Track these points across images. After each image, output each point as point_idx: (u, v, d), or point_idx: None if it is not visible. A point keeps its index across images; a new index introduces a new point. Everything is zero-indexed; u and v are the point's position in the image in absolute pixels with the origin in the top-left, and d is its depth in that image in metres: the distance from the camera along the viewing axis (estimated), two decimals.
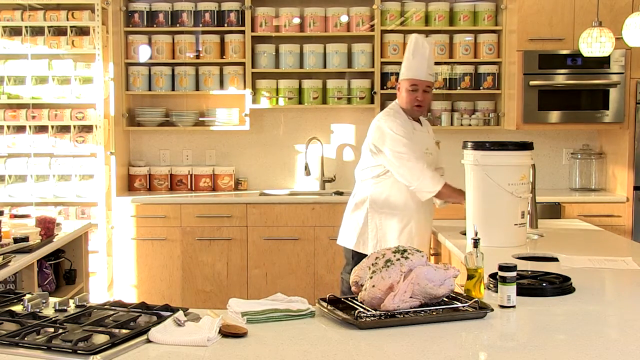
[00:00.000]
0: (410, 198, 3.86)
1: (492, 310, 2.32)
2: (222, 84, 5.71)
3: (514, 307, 2.41)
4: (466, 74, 5.66)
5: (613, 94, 5.30)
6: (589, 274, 2.95)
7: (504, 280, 2.42)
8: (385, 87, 5.65)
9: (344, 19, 5.66)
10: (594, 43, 4.34)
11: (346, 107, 5.78)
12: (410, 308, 2.27)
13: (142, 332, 2.09)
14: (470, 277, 2.49)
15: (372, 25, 5.62)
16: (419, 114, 3.96)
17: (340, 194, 5.62)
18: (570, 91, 5.35)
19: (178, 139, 5.94)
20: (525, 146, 3.54)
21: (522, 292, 2.51)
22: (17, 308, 2.34)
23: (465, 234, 3.67)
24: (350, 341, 2.11)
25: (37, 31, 5.40)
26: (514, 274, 2.42)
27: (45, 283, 4.09)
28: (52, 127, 5.40)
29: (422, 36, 4.05)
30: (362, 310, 2.26)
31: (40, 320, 2.18)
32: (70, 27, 5.36)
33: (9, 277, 3.52)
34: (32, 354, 1.95)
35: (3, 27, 5.34)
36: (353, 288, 2.45)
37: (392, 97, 5.72)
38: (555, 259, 3.21)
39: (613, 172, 5.57)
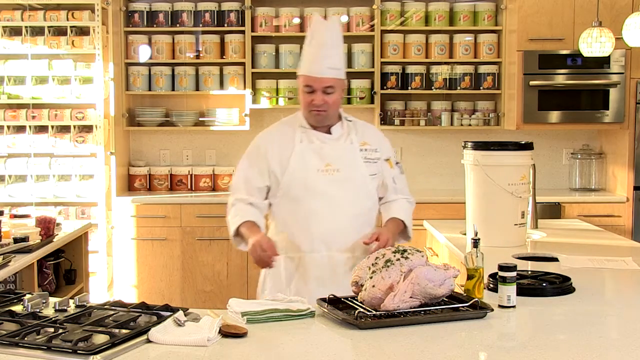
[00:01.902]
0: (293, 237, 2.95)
1: (492, 310, 2.32)
2: (222, 84, 5.70)
3: (514, 307, 2.41)
4: (466, 74, 5.66)
5: (613, 94, 5.30)
6: (589, 274, 2.95)
7: (504, 280, 2.42)
8: (385, 87, 5.65)
9: (344, 19, 5.65)
10: (594, 43, 4.34)
11: (346, 107, 5.77)
12: (410, 308, 2.27)
13: (142, 332, 2.09)
14: (470, 277, 2.49)
15: (372, 25, 5.62)
16: (321, 120, 2.94)
17: None
18: (570, 91, 5.35)
19: (178, 139, 5.94)
20: (525, 146, 3.55)
21: (522, 292, 2.51)
22: (17, 308, 2.34)
23: (465, 234, 3.67)
24: (350, 341, 2.11)
25: (37, 31, 5.40)
26: (514, 274, 2.42)
27: (45, 283, 4.09)
28: (52, 127, 5.40)
29: (323, 18, 3.05)
30: (362, 310, 2.26)
31: (40, 320, 2.18)
32: (70, 27, 5.36)
33: (9, 277, 3.52)
34: (32, 354, 1.95)
35: (3, 27, 5.34)
36: (353, 288, 2.45)
37: (392, 97, 5.76)
38: (555, 259, 3.21)
39: (613, 172, 5.57)
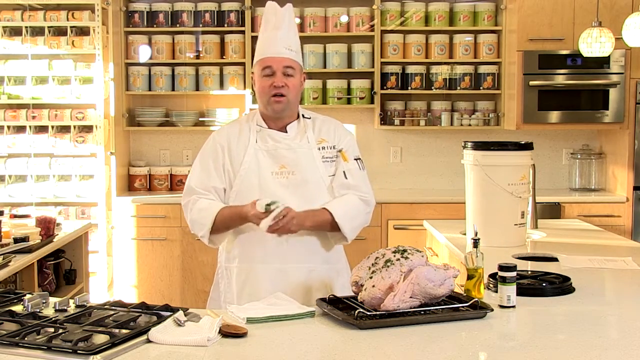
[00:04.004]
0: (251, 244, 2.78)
1: (492, 310, 2.32)
2: (222, 84, 5.71)
3: (514, 307, 2.41)
4: (466, 74, 5.66)
5: (613, 94, 5.31)
6: (589, 274, 2.95)
7: (504, 280, 2.42)
8: (385, 87, 5.65)
9: (344, 19, 5.66)
10: (593, 43, 4.34)
11: (346, 107, 5.78)
12: (410, 308, 2.27)
13: (142, 332, 2.09)
14: (470, 277, 2.49)
15: (372, 25, 5.62)
16: (281, 109, 2.74)
17: None
18: (570, 91, 5.35)
19: (178, 139, 5.94)
20: (525, 146, 3.55)
21: (522, 292, 2.51)
22: (17, 308, 2.34)
23: (465, 234, 3.67)
24: (350, 341, 2.11)
25: (37, 31, 5.40)
26: (514, 274, 2.42)
27: (45, 283, 4.09)
28: (52, 127, 5.40)
29: (280, 5, 2.80)
30: (362, 310, 2.26)
31: (40, 320, 2.18)
32: (70, 27, 5.36)
33: (9, 277, 3.52)
34: (32, 354, 1.95)
35: (3, 27, 5.34)
36: (353, 288, 2.45)
37: (392, 97, 5.76)
38: (555, 259, 3.21)
39: (613, 172, 5.57)
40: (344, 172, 2.79)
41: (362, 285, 2.38)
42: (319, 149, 2.78)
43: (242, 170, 2.74)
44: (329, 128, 2.85)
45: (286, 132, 2.79)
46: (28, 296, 2.41)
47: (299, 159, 2.75)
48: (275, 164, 2.74)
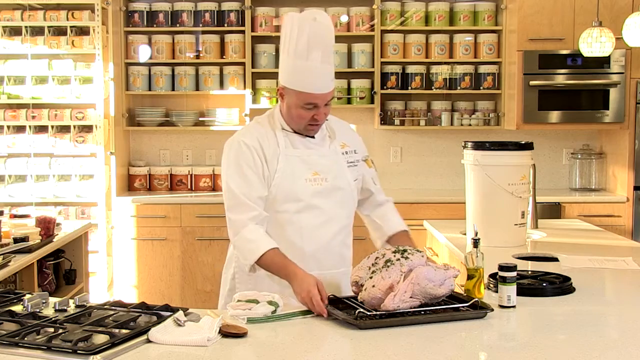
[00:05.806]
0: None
1: (492, 310, 2.32)
2: (222, 84, 5.71)
3: (514, 307, 2.41)
4: (466, 74, 5.66)
5: (613, 94, 5.30)
6: (589, 274, 2.95)
7: (504, 280, 2.42)
8: (385, 87, 5.65)
9: (344, 18, 5.66)
10: (594, 43, 4.34)
11: (346, 107, 5.78)
12: (410, 308, 2.27)
13: (142, 332, 2.09)
14: (470, 277, 2.49)
15: (372, 25, 5.62)
16: (314, 133, 2.71)
17: None
18: (570, 91, 5.35)
19: (178, 139, 5.94)
20: (525, 146, 3.55)
21: (522, 292, 2.51)
22: (17, 308, 2.34)
23: (465, 234, 3.67)
24: (350, 341, 2.11)
25: (37, 31, 5.40)
26: (514, 274, 2.42)
27: (45, 283, 4.09)
28: (52, 127, 5.40)
29: (312, 15, 2.61)
30: (362, 310, 2.26)
31: (40, 320, 2.18)
32: (70, 27, 5.36)
33: (9, 277, 3.52)
34: (32, 354, 1.95)
35: (3, 27, 5.34)
36: (353, 288, 2.45)
37: (392, 97, 5.76)
38: (555, 259, 3.21)
39: (613, 172, 5.57)
40: (372, 178, 2.86)
41: (362, 285, 2.38)
42: (343, 153, 2.76)
43: (277, 178, 2.63)
44: (347, 132, 2.85)
45: (312, 137, 2.72)
46: (28, 296, 2.41)
47: (332, 166, 2.71)
48: (309, 171, 2.66)
